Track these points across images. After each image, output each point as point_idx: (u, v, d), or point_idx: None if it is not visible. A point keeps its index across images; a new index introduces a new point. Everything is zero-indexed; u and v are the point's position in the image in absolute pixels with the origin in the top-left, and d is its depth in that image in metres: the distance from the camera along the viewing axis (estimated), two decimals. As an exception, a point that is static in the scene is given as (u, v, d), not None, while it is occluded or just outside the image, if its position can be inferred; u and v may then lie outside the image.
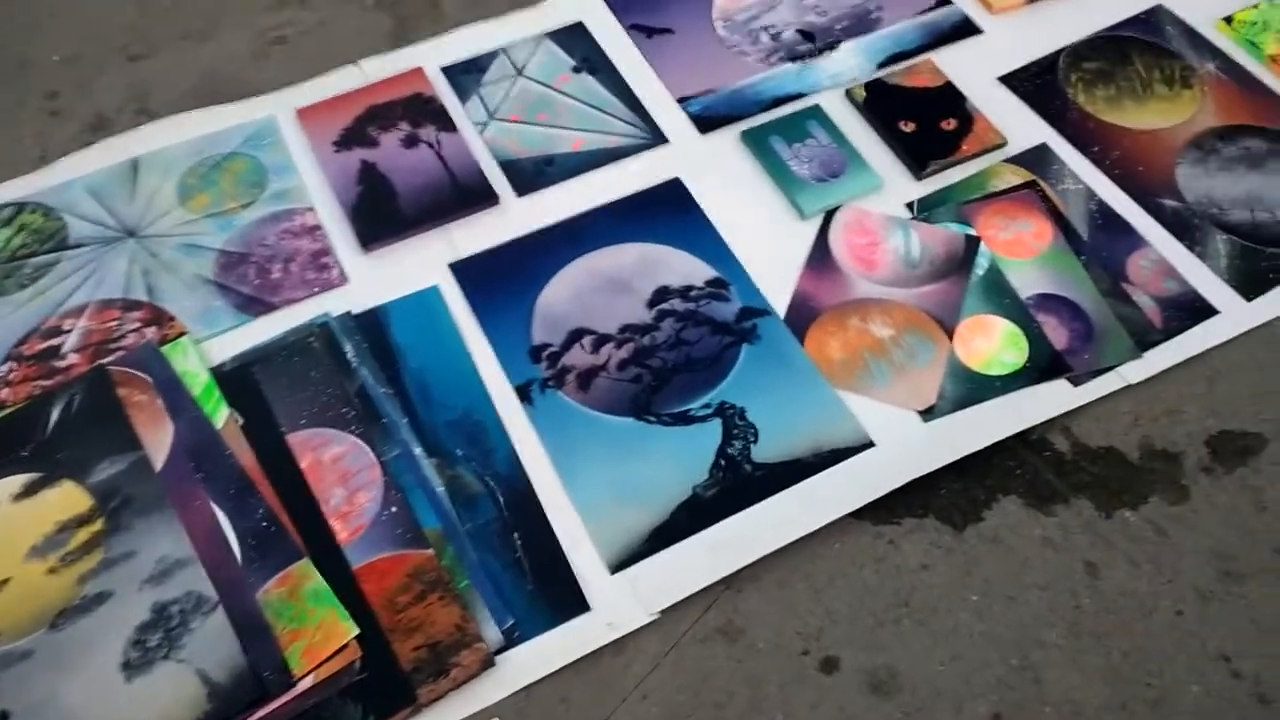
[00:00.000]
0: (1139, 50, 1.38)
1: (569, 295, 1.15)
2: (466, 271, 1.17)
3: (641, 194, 1.24)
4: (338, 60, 1.36)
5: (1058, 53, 1.38)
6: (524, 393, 1.09)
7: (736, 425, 1.07)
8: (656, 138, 1.28)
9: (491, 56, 1.36)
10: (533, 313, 1.14)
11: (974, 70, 1.35)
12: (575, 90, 1.32)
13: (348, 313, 1.14)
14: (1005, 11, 1.42)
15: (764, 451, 1.05)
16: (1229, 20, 1.40)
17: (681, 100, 1.32)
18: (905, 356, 1.11)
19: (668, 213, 1.22)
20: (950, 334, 1.13)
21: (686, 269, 1.18)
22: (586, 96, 1.32)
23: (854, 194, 1.23)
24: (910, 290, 1.16)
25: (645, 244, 1.19)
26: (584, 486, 1.03)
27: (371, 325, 1.13)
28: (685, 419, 1.07)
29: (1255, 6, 1.42)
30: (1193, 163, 1.27)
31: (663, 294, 1.16)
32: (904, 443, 1.05)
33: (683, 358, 1.11)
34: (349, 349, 1.11)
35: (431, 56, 1.37)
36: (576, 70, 1.34)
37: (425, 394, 1.08)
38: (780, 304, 1.15)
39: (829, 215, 1.22)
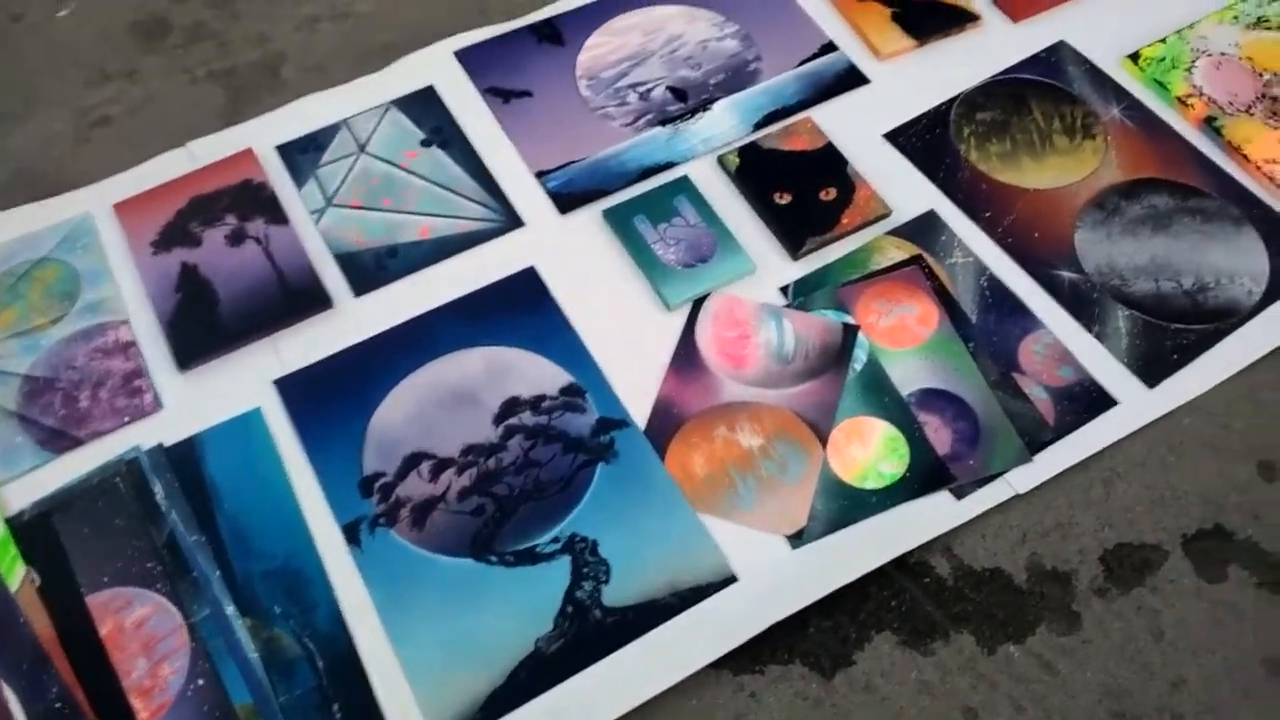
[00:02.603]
0: (1038, 96, 1.27)
1: (407, 413, 1.04)
2: (293, 389, 1.06)
3: (492, 288, 1.12)
4: (165, 142, 1.23)
5: (950, 102, 1.26)
6: (352, 533, 0.98)
7: (587, 562, 0.96)
8: (511, 220, 1.17)
9: (333, 131, 1.24)
10: (365, 436, 1.03)
11: (859, 127, 1.24)
12: (423, 167, 1.20)
13: (159, 445, 1.02)
14: (894, 57, 1.30)
15: (616, 593, 0.94)
16: (1135, 58, 1.29)
17: (540, 175, 1.20)
18: (775, 470, 1.01)
19: (520, 309, 1.11)
20: (824, 441, 1.03)
21: (539, 376, 1.06)
22: (435, 174, 1.20)
23: (724, 279, 1.12)
24: (783, 391, 1.06)
25: (494, 348, 1.08)
26: (414, 645, 0.92)
27: (185, 458, 1.02)
28: (531, 557, 0.97)
29: (1163, 41, 1.30)
30: (1093, 226, 1.16)
31: (511, 407, 1.05)
32: (770, 576, 0.95)
33: (531, 483, 1.00)
34: (159, 489, 1.00)
35: (267, 133, 1.24)
36: (426, 143, 1.22)
37: (241, 540, 0.97)
38: (642, 412, 1.05)
39: (697, 305, 1.11)
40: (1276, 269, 1.14)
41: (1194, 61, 1.30)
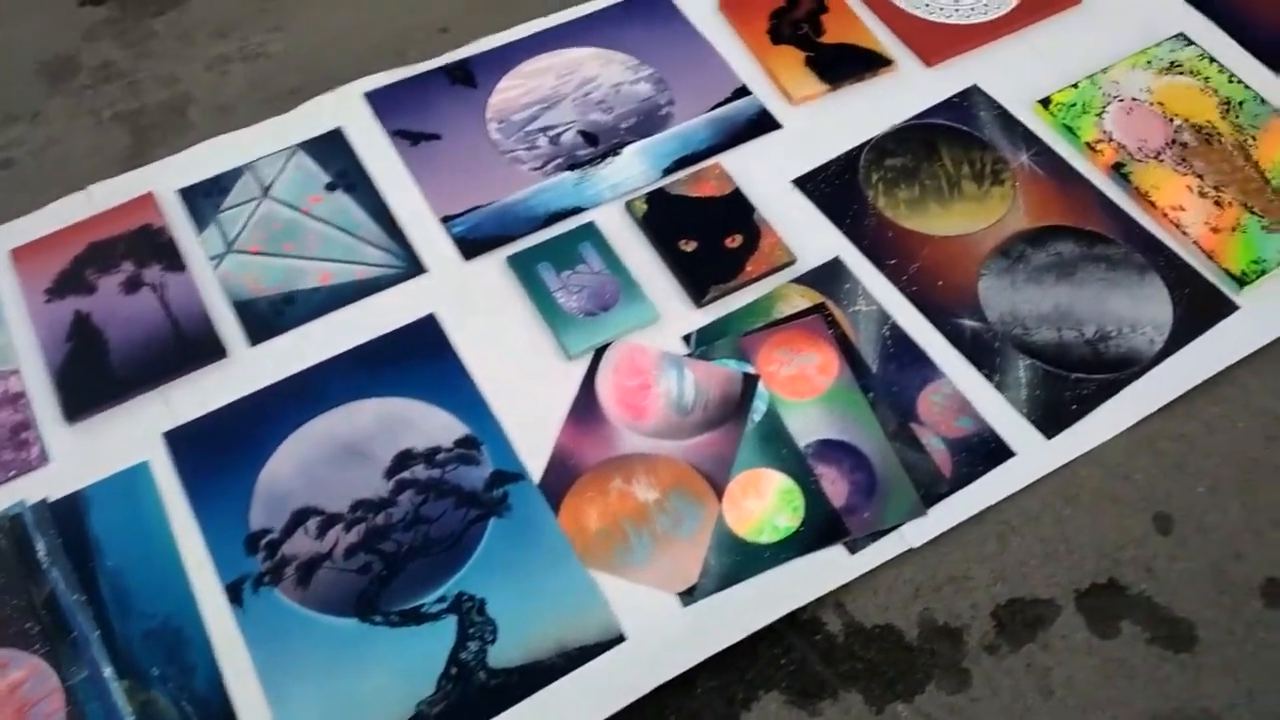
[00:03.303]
0: (948, 141, 1.26)
1: (296, 467, 1.02)
2: (183, 442, 1.04)
3: (391, 336, 1.11)
4: (67, 185, 1.21)
5: (861, 147, 1.26)
6: (235, 593, 0.96)
7: (474, 622, 0.95)
8: (413, 266, 1.15)
9: (236, 174, 1.22)
10: (254, 491, 1.01)
11: (768, 173, 1.24)
12: (327, 212, 1.19)
13: (44, 500, 1.00)
14: (807, 102, 1.30)
15: (502, 654, 0.93)
16: (1046, 103, 1.29)
17: (446, 220, 1.19)
18: (670, 524, 1.00)
19: (418, 358, 1.09)
20: (720, 493, 1.02)
21: (434, 427, 1.05)
22: (339, 219, 1.19)
23: (627, 328, 1.11)
24: (681, 442, 1.05)
25: (389, 399, 1.07)
26: (293, 710, 0.91)
27: (70, 514, 1.00)
28: (416, 617, 0.95)
29: (1075, 86, 1.31)
30: (998, 273, 1.16)
31: (404, 460, 1.03)
32: (659, 635, 0.94)
33: (420, 539, 0.99)
34: (41, 547, 0.98)
35: (169, 176, 1.23)
36: (330, 187, 1.21)
37: (122, 599, 0.95)
38: (538, 464, 1.03)
39: (599, 353, 1.10)
40: (1179, 318, 1.14)
41: (1105, 107, 1.30)
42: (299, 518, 1.00)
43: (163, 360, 1.09)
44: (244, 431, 1.05)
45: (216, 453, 1.04)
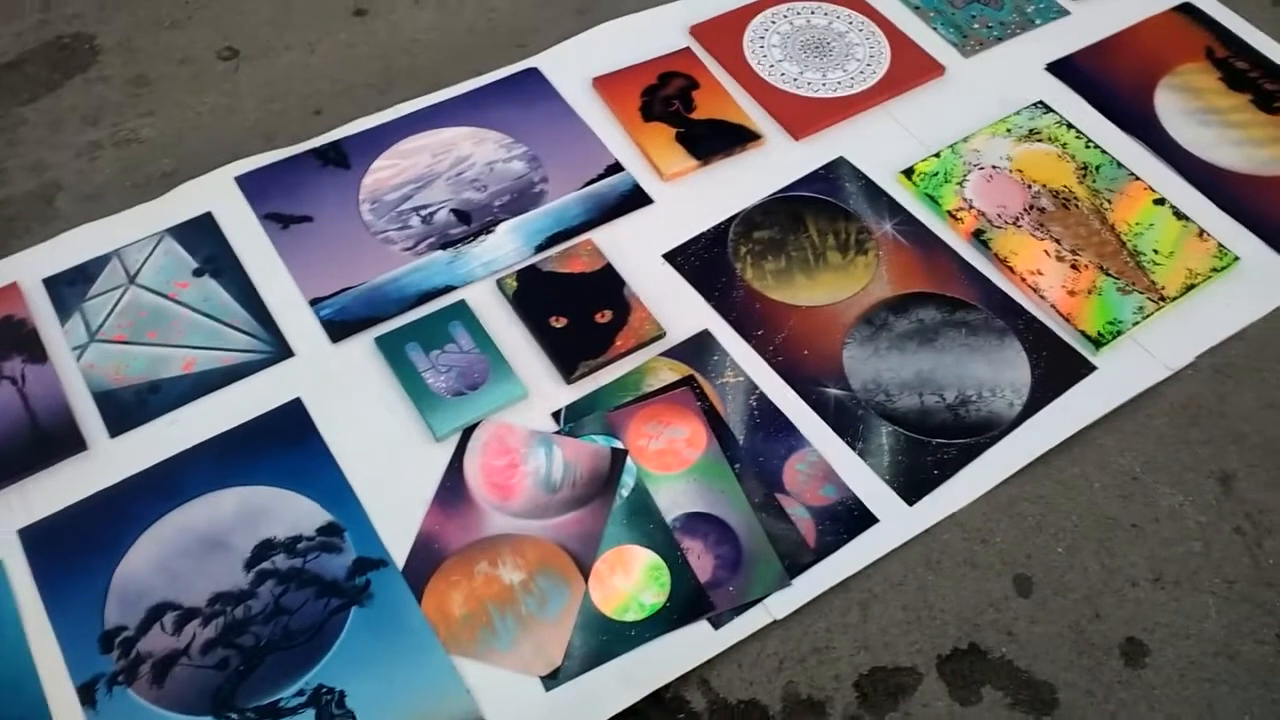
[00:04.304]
0: (814, 213, 1.29)
1: (154, 562, 1.00)
2: (38, 539, 1.02)
3: (254, 423, 1.10)
4: (-74, 277, 1.18)
5: (730, 221, 1.28)
6: (87, 694, 0.94)
7: (333, 715, 0.93)
8: (280, 351, 1.15)
9: (103, 262, 1.21)
10: (110, 588, 0.99)
11: (639, 248, 1.25)
12: (193, 298, 1.18)
13: (-112, 606, 0.96)
14: (678, 178, 1.32)
15: (361, 746, 0.91)
16: (910, 173, 1.33)
17: (314, 302, 1.18)
18: (535, 606, 0.99)
19: (282, 445, 1.08)
20: (587, 572, 1.01)
21: (296, 516, 1.04)
22: (205, 305, 1.18)
23: (496, 406, 1.11)
24: (548, 521, 1.04)
25: (251, 487, 1.05)
26: (142, 815, 0.87)
27: (-85, 620, 0.96)
28: (274, 712, 0.93)
29: (937, 155, 1.34)
30: (861, 342, 1.18)
31: (265, 550, 1.02)
32: None
33: (280, 631, 0.97)
34: (-119, 655, 0.94)
35: (34, 266, 1.21)
36: (198, 273, 1.20)
37: (-34, 707, 0.92)
38: (402, 550, 1.03)
39: (467, 433, 1.10)
40: (1038, 380, 1.17)
41: (967, 175, 1.34)
42: (155, 613, 0.99)
43: (19, 456, 1.07)
44: (102, 526, 1.03)
45: (73, 549, 1.01)
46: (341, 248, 1.24)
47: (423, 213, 1.28)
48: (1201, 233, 1.29)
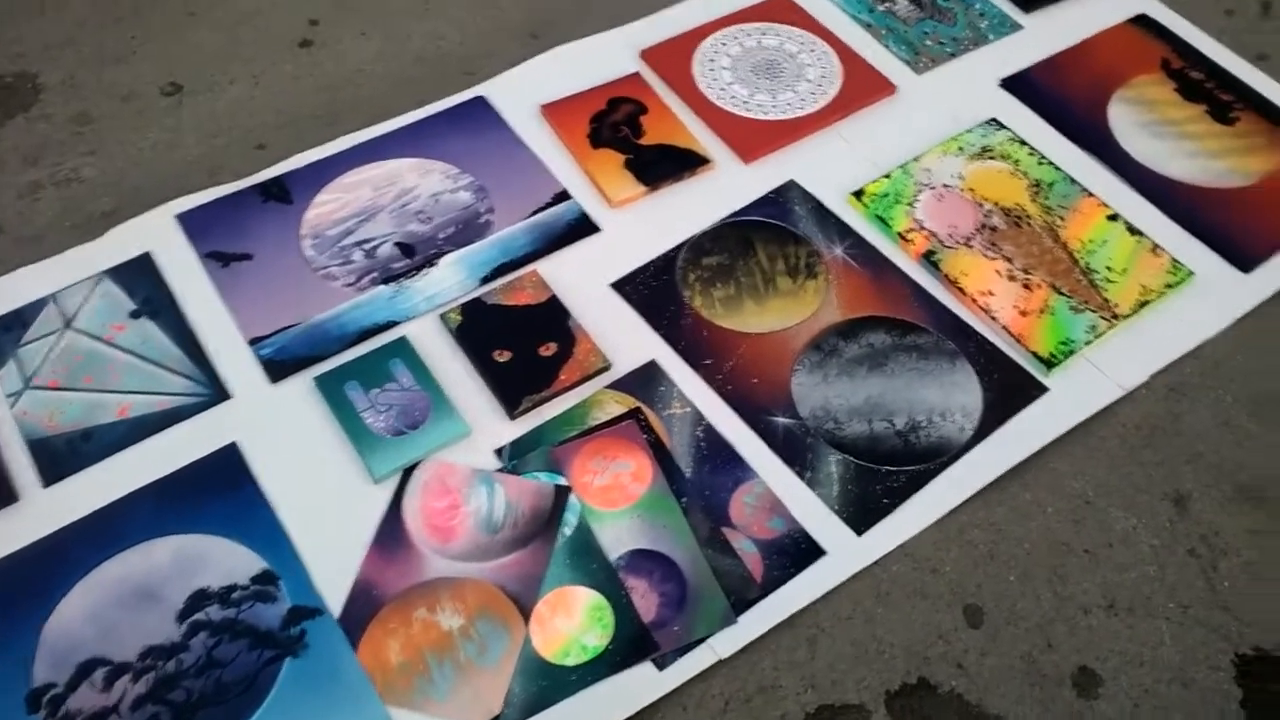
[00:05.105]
0: (764, 238, 1.27)
1: (85, 616, 0.98)
2: (-35, 596, 0.99)
3: (190, 468, 1.08)
4: None
5: (679, 247, 1.26)
6: (12, 756, 0.91)
7: (265, 770, 0.90)
8: (217, 393, 1.13)
9: (39, 306, 1.19)
10: (39, 643, 0.96)
11: (586, 277, 1.23)
12: (130, 341, 1.16)
13: None
14: (626, 204, 1.30)
15: (293, 802, 0.89)
16: (860, 194, 1.31)
17: (253, 342, 1.16)
18: (474, 652, 0.97)
19: (218, 491, 1.06)
20: (528, 615, 0.99)
21: (231, 564, 1.02)
22: (142, 348, 1.16)
23: (437, 445, 1.09)
24: (489, 563, 1.02)
25: (186, 536, 1.04)
26: None
27: None
28: (204, 769, 0.90)
29: (887, 176, 1.33)
30: (810, 368, 1.16)
31: (198, 601, 1.00)
32: (458, 770, 0.90)
33: (212, 685, 0.95)
34: None
35: (-31, 313, 1.18)
36: (135, 315, 1.18)
37: (-112, 773, 0.89)
38: (338, 598, 1.00)
39: (407, 474, 1.07)
40: (989, 403, 1.15)
41: (918, 195, 1.32)
42: (85, 669, 0.96)
43: (-53, 508, 1.04)
44: (31, 580, 1.01)
45: (1, 605, 0.99)
46: (282, 285, 1.22)
47: (365, 247, 1.26)
48: (1155, 248, 1.27)
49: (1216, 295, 1.24)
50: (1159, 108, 1.43)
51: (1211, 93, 1.45)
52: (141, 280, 1.23)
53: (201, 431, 1.11)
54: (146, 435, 1.11)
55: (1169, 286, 1.24)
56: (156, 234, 1.27)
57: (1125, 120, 1.41)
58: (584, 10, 1.50)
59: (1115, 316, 1.21)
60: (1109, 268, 1.25)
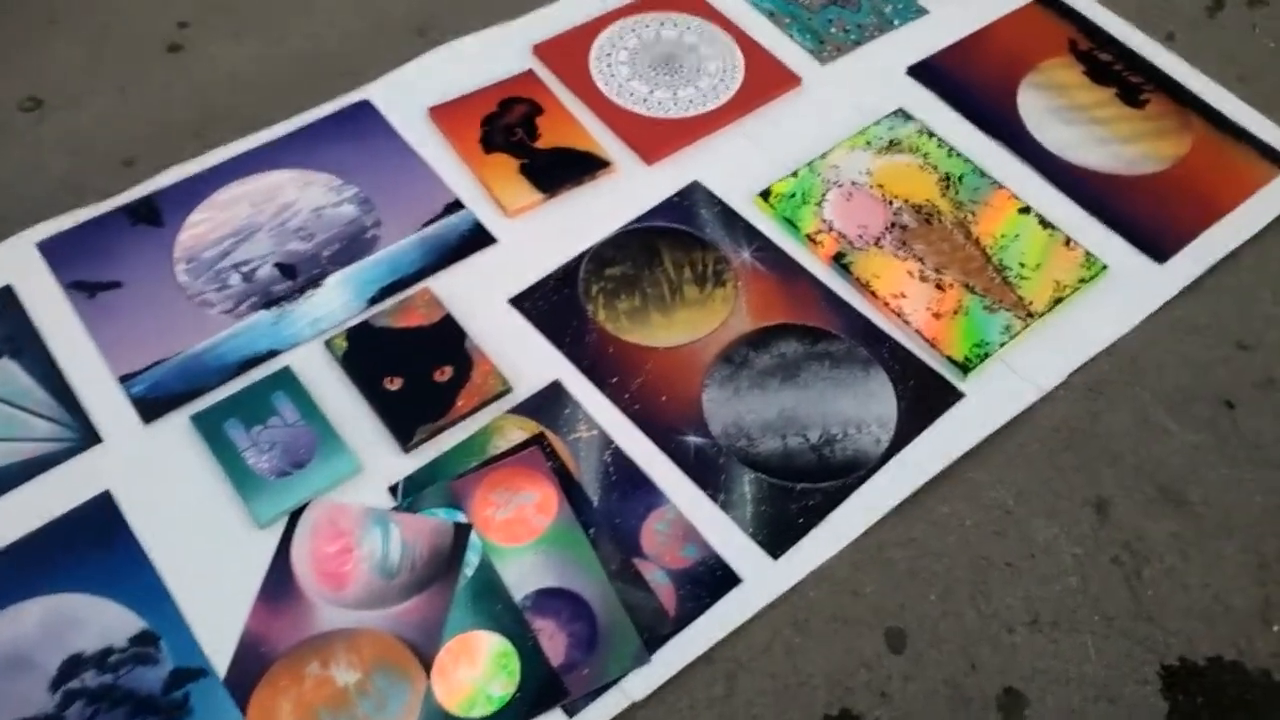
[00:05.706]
0: (669, 244, 1.22)
1: (-58, 694, 0.89)
2: None
3: (58, 522, 1.00)
4: None
5: (581, 258, 1.20)
6: None
7: None
8: (86, 437, 1.04)
9: (-115, 350, 1.08)
10: (-110, 729, 0.87)
11: (482, 294, 1.17)
12: (-12, 384, 1.06)
13: None
14: (523, 213, 1.23)
15: None
16: (767, 195, 1.25)
17: (124, 379, 1.08)
18: (372, 709, 0.91)
19: (89, 545, 0.99)
20: (429, 665, 0.93)
21: (107, 625, 0.94)
22: (3, 391, 1.06)
23: (326, 485, 1.02)
24: (386, 611, 0.96)
25: (56, 596, 0.96)
26: None
27: None
28: None
29: (794, 174, 1.27)
30: (721, 383, 1.11)
31: (73, 667, 0.93)
32: (357, 841, 0.84)
33: (87, 761, 0.87)
34: None
35: None
36: (-6, 355, 1.08)
37: None
38: (224, 656, 0.93)
39: (295, 517, 1.00)
40: (905, 412, 1.11)
41: (825, 194, 1.28)
42: (-57, 754, 0.87)
43: None
44: (-121, 657, 0.92)
45: None
46: (154, 315, 1.14)
47: (243, 269, 1.18)
48: (1069, 241, 1.24)
49: (1132, 288, 1.21)
50: (1069, 92, 1.40)
51: (1121, 75, 1.42)
52: (1, 316, 1.13)
53: (70, 480, 1.03)
54: (10, 487, 1.03)
55: (1083, 281, 1.21)
56: (16, 265, 1.17)
57: (1035, 106, 1.38)
58: (473, 3, 1.42)
59: (1030, 315, 1.17)
60: (1022, 264, 1.22)
